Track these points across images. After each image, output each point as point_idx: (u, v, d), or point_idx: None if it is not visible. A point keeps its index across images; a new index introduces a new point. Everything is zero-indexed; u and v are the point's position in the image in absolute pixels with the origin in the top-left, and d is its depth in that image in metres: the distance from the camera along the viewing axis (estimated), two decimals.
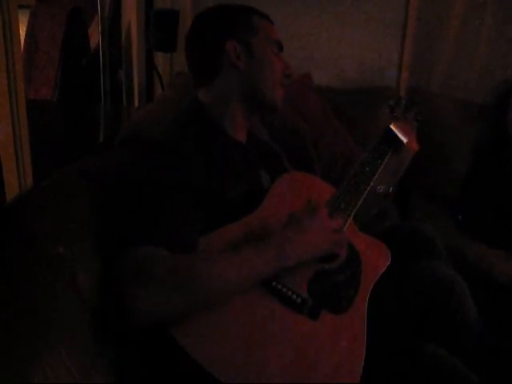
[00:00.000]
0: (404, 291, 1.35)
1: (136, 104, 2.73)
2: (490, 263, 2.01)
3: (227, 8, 1.44)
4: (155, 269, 1.01)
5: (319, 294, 1.17)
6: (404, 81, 2.84)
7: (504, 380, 1.35)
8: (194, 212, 1.14)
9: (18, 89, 1.21)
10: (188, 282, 1.01)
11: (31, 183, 1.29)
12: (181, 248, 1.06)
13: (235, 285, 1.06)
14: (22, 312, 0.95)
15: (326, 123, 2.42)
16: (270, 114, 2.04)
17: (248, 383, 1.00)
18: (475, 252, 2.10)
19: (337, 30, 2.81)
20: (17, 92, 1.21)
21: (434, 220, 2.34)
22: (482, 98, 2.74)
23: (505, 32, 2.69)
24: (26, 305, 0.96)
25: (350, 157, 2.32)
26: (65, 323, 1.00)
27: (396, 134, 1.50)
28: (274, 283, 1.13)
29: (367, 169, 1.43)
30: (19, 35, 1.23)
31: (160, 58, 2.76)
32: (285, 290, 1.13)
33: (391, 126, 1.51)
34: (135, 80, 2.70)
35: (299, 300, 1.13)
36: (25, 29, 3.10)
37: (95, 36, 3.08)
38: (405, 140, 1.50)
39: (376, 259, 1.33)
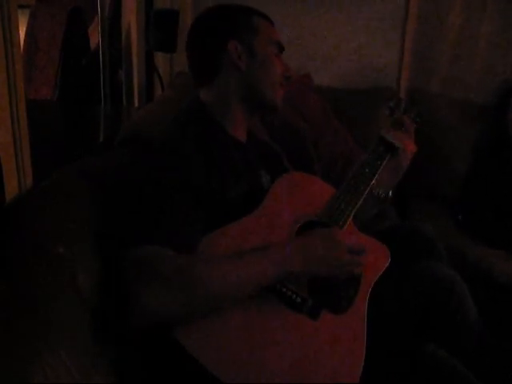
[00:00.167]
0: (404, 291, 1.35)
1: (136, 104, 2.73)
2: (490, 263, 2.01)
3: (228, 8, 1.44)
4: (155, 269, 1.01)
5: (319, 293, 1.17)
6: (404, 81, 2.84)
7: (504, 380, 1.35)
8: (194, 212, 1.14)
9: (18, 89, 1.21)
10: (191, 282, 1.01)
11: (31, 183, 1.29)
12: (181, 247, 1.06)
13: (237, 289, 1.06)
14: (22, 312, 0.95)
15: (326, 123, 2.42)
16: (270, 115, 2.04)
17: (248, 383, 1.00)
18: (475, 252, 2.10)
19: (337, 30, 2.81)
20: (17, 92, 1.21)
21: (433, 220, 2.34)
22: (482, 98, 2.74)
23: (505, 32, 2.69)
24: (25, 305, 0.96)
25: (349, 157, 2.32)
26: (65, 323, 1.00)
27: (389, 141, 1.49)
28: None
29: (367, 170, 1.43)
30: (19, 35, 1.23)
31: (160, 58, 2.76)
32: (285, 289, 1.14)
33: (382, 134, 1.50)
34: (135, 80, 2.70)
35: (299, 300, 1.13)
36: (25, 29, 3.10)
37: (95, 36, 3.07)
38: (399, 145, 1.49)
39: (376, 259, 1.33)
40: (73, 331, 1.01)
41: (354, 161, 1.52)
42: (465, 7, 2.69)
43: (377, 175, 1.43)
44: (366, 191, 1.40)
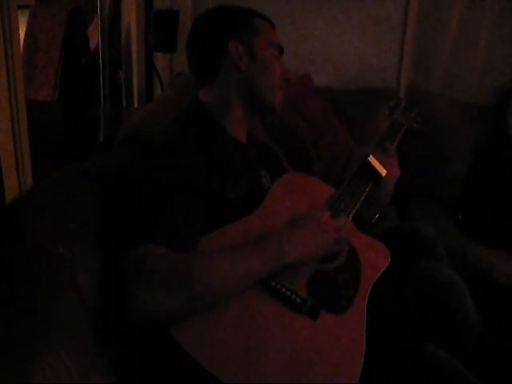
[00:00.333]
0: (404, 291, 1.35)
1: (136, 104, 2.73)
2: (490, 263, 2.01)
3: (229, 9, 1.43)
4: (155, 267, 1.01)
5: (319, 293, 1.17)
6: (404, 81, 2.84)
7: (504, 380, 1.35)
8: (194, 212, 1.14)
9: (18, 89, 1.22)
10: (187, 278, 1.02)
11: (31, 183, 1.29)
12: (181, 247, 1.06)
13: (234, 282, 1.06)
14: (22, 312, 0.95)
15: (326, 123, 2.42)
16: (269, 116, 2.04)
17: (247, 383, 1.00)
18: (475, 252, 2.10)
19: (337, 30, 2.80)
20: (17, 92, 1.21)
21: (433, 220, 2.34)
22: (482, 99, 2.74)
23: (505, 32, 2.69)
24: (26, 305, 0.96)
25: (349, 157, 2.32)
26: (65, 323, 1.00)
27: (375, 168, 1.45)
28: (273, 283, 1.13)
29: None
30: (19, 35, 1.23)
31: (160, 59, 2.76)
32: (284, 289, 1.14)
33: (369, 160, 1.45)
34: (135, 80, 2.71)
35: (299, 300, 1.13)
36: (24, 29, 3.10)
37: (95, 36, 3.08)
38: (383, 173, 1.45)
39: (376, 259, 1.33)
40: (73, 331, 1.01)
41: (354, 161, 1.50)
42: (465, 7, 2.69)
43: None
44: (366, 191, 1.40)
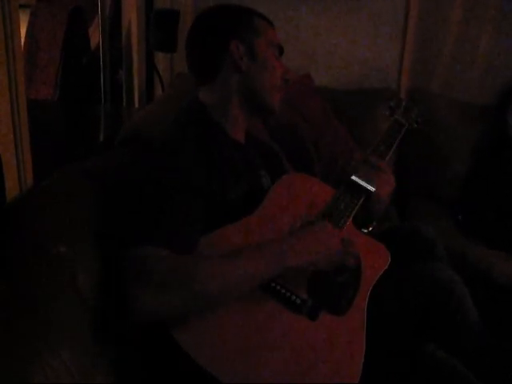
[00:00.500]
0: (404, 292, 1.35)
1: (136, 104, 2.73)
2: (490, 264, 2.01)
3: (230, 8, 1.43)
4: (155, 268, 1.01)
5: (318, 294, 1.17)
6: (404, 81, 2.84)
7: (504, 380, 1.35)
8: (194, 212, 1.14)
9: (19, 88, 1.21)
10: (188, 280, 1.01)
11: (32, 183, 1.29)
12: (181, 248, 1.06)
13: (234, 285, 1.06)
14: (22, 312, 0.95)
15: (326, 123, 2.42)
16: (268, 117, 2.04)
17: (247, 383, 1.00)
18: (475, 252, 2.10)
19: (337, 30, 2.80)
20: (17, 92, 1.21)
21: (433, 220, 2.34)
22: (483, 99, 2.74)
23: (505, 32, 2.69)
24: (25, 305, 0.96)
25: (349, 157, 2.32)
26: (65, 323, 1.00)
27: (362, 185, 1.42)
28: (273, 284, 1.13)
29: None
30: (20, 35, 1.23)
31: (160, 58, 2.76)
32: (284, 290, 1.14)
33: (353, 178, 1.42)
34: (135, 80, 2.71)
35: (298, 301, 1.14)
36: (25, 28, 3.10)
37: (96, 36, 3.08)
38: (372, 189, 1.42)
39: (376, 260, 1.33)
40: (73, 331, 1.01)
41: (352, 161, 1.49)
42: (465, 8, 2.69)
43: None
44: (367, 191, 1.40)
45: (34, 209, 1.17)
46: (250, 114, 1.43)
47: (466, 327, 1.36)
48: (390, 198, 1.50)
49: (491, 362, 1.36)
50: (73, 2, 3.09)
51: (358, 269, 1.27)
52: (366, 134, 2.51)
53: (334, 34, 2.81)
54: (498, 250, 2.11)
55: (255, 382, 1.01)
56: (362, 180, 1.42)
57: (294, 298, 1.14)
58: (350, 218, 1.34)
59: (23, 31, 3.01)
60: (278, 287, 1.13)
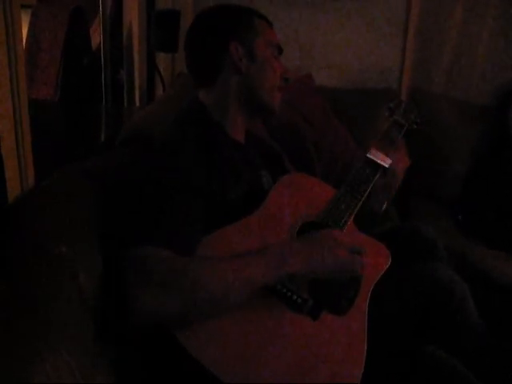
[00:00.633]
0: (404, 292, 1.35)
1: (137, 104, 2.74)
2: (490, 264, 2.01)
3: (230, 8, 1.43)
4: (155, 269, 1.01)
5: (320, 294, 1.17)
6: (405, 81, 2.84)
7: (504, 380, 1.35)
8: (194, 212, 1.14)
9: (21, 88, 1.22)
10: (188, 283, 1.01)
11: (33, 183, 1.30)
12: (181, 248, 1.06)
13: (235, 288, 1.05)
14: (22, 312, 0.95)
15: (327, 124, 2.42)
16: (267, 117, 2.04)
17: (248, 383, 1.00)
18: (475, 253, 2.10)
19: (338, 30, 2.81)
20: (19, 92, 1.22)
21: (434, 220, 2.34)
22: (483, 99, 2.74)
23: (506, 33, 2.69)
24: (25, 305, 0.96)
25: (350, 157, 2.32)
26: (65, 323, 1.00)
27: (377, 162, 1.45)
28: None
29: (367, 171, 1.42)
30: (22, 35, 1.23)
31: (161, 58, 2.77)
32: (285, 290, 1.14)
33: (368, 156, 1.46)
34: (136, 80, 2.71)
35: (300, 300, 1.13)
36: (26, 29, 3.10)
37: (97, 36, 3.08)
38: (387, 165, 1.45)
39: (376, 260, 1.32)
40: (73, 331, 1.01)
41: (354, 161, 1.50)
42: (466, 8, 2.69)
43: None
44: (367, 191, 1.40)
45: (34, 209, 1.17)
46: (250, 115, 1.43)
47: (466, 327, 1.36)
48: (404, 174, 1.54)
49: (491, 362, 1.36)
50: (74, 2, 3.08)
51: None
52: (366, 135, 2.51)
53: (334, 34, 2.81)
54: (497, 250, 2.12)
55: (256, 382, 1.01)
56: (378, 157, 1.45)
57: (295, 297, 1.13)
58: (352, 218, 1.34)
59: (24, 32, 3.02)
60: (280, 286, 1.13)
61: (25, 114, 1.25)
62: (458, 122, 2.62)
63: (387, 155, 1.47)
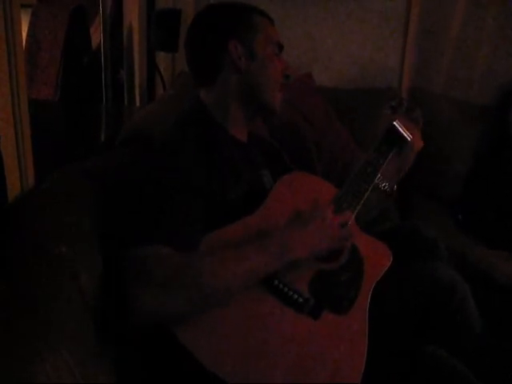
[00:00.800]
0: (404, 291, 1.35)
1: (138, 104, 2.73)
2: (491, 264, 2.01)
3: (229, 6, 1.42)
4: (156, 268, 1.01)
5: (321, 293, 1.17)
6: (406, 81, 2.84)
7: (504, 380, 1.35)
8: (195, 212, 1.14)
9: (20, 88, 1.22)
10: (189, 280, 1.01)
11: (33, 183, 1.30)
12: (181, 247, 1.06)
13: (238, 281, 1.06)
14: (22, 312, 0.95)
15: (327, 123, 2.42)
16: (269, 117, 2.03)
17: (248, 382, 1.00)
18: (475, 252, 2.10)
19: (339, 30, 2.80)
20: (19, 91, 1.21)
21: (434, 220, 2.34)
22: (484, 99, 2.74)
23: (506, 33, 2.69)
24: (26, 305, 0.96)
25: (350, 157, 2.32)
26: (65, 323, 1.00)
27: (401, 132, 1.47)
28: (275, 282, 1.13)
29: (369, 169, 1.42)
30: (21, 35, 1.23)
31: (162, 58, 2.77)
32: (286, 289, 1.14)
33: (395, 124, 1.47)
34: (137, 80, 2.71)
35: (301, 300, 1.14)
36: (26, 28, 3.10)
37: (97, 35, 3.08)
38: (409, 138, 1.46)
39: (378, 259, 1.33)
40: (73, 331, 1.01)
41: (355, 161, 1.50)
42: (467, 7, 2.69)
43: (379, 174, 1.42)
44: (369, 191, 1.39)
45: (34, 209, 1.17)
46: (251, 114, 1.43)
47: (466, 327, 1.36)
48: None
49: (491, 361, 1.36)
50: (74, 2, 3.08)
51: (360, 268, 1.27)
52: (367, 134, 2.51)
53: (335, 34, 2.81)
54: (498, 250, 2.12)
55: (257, 382, 1.01)
56: (402, 128, 1.47)
57: (296, 296, 1.14)
58: (353, 216, 1.34)
59: (24, 31, 3.02)
60: (281, 286, 1.14)
61: (25, 114, 1.24)
62: (458, 121, 2.62)
63: (410, 129, 1.49)
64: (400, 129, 1.47)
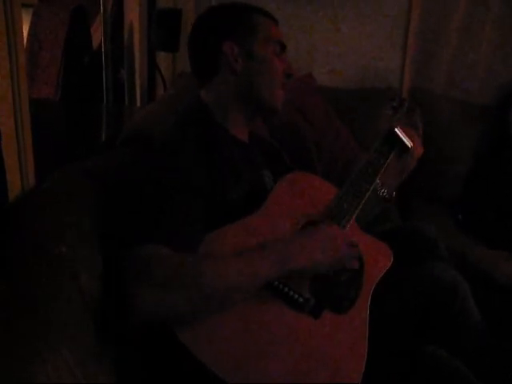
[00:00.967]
0: (404, 291, 1.35)
1: (138, 103, 2.74)
2: (491, 264, 2.01)
3: (228, 7, 1.43)
4: (156, 268, 1.01)
5: (321, 293, 1.17)
6: (406, 81, 2.83)
7: (504, 380, 1.35)
8: (195, 212, 1.14)
9: (22, 88, 1.22)
10: (190, 280, 1.01)
11: (33, 182, 1.30)
12: (181, 247, 1.06)
13: (237, 286, 1.06)
14: (22, 312, 0.95)
15: (328, 123, 2.42)
16: (270, 117, 2.03)
17: (249, 382, 1.00)
18: (475, 252, 2.10)
19: (339, 30, 2.80)
20: (20, 91, 1.22)
21: (434, 220, 2.33)
22: (484, 99, 2.74)
23: (507, 34, 2.69)
24: (26, 305, 0.96)
25: (351, 157, 2.32)
26: (65, 323, 1.00)
27: (402, 139, 1.46)
28: (276, 282, 1.13)
29: (370, 169, 1.42)
30: (22, 34, 1.23)
31: (162, 58, 2.77)
32: (287, 289, 1.14)
33: (396, 130, 1.46)
34: (137, 79, 2.71)
35: (301, 299, 1.14)
36: (27, 28, 3.10)
37: (97, 35, 3.08)
38: (410, 145, 1.46)
39: (378, 259, 1.32)
40: (73, 331, 1.01)
41: (356, 161, 1.50)
42: (468, 8, 2.69)
43: (380, 174, 1.42)
44: (369, 190, 1.39)
45: (34, 208, 1.17)
46: (250, 114, 1.43)
47: (466, 327, 1.36)
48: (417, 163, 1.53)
49: (492, 361, 1.36)
50: (74, 2, 3.08)
51: (361, 268, 1.27)
52: (368, 134, 2.50)
53: (335, 34, 2.81)
54: (498, 250, 2.11)
55: (257, 381, 1.01)
56: (403, 135, 1.46)
57: (296, 296, 1.14)
58: (354, 216, 1.34)
59: (25, 31, 3.02)
60: (281, 286, 1.14)
61: (26, 114, 1.25)
62: (458, 122, 2.62)
63: (410, 135, 1.48)
64: (401, 135, 1.46)
